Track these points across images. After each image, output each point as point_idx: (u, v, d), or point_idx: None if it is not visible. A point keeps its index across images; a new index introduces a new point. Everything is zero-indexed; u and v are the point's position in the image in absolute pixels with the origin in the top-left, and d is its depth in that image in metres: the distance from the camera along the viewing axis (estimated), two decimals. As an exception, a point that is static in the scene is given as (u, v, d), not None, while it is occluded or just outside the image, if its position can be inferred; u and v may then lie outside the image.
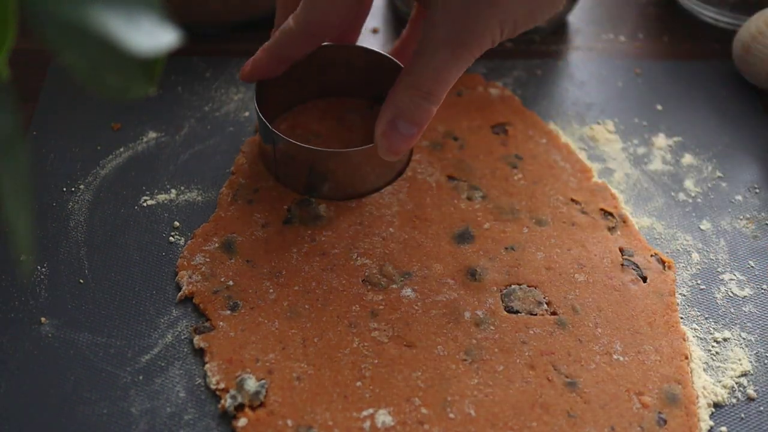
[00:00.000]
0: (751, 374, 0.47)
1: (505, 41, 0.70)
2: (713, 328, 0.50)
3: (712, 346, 0.49)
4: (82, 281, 0.51)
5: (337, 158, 0.53)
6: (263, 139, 0.56)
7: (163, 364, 0.47)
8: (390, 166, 0.56)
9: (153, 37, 0.25)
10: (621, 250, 0.53)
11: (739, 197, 0.57)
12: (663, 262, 0.52)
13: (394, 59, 0.57)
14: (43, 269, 0.51)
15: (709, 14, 0.73)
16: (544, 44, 0.71)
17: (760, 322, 0.50)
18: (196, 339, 0.48)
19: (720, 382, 0.47)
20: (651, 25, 0.73)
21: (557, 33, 0.72)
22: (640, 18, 0.74)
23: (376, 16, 0.73)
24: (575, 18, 0.74)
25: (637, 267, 0.52)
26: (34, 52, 0.63)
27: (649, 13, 0.75)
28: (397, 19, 0.73)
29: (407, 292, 0.50)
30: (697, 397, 0.46)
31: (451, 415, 0.44)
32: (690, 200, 0.57)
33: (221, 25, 0.69)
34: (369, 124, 0.58)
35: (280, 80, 0.56)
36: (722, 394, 0.46)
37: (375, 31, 0.71)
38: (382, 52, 0.58)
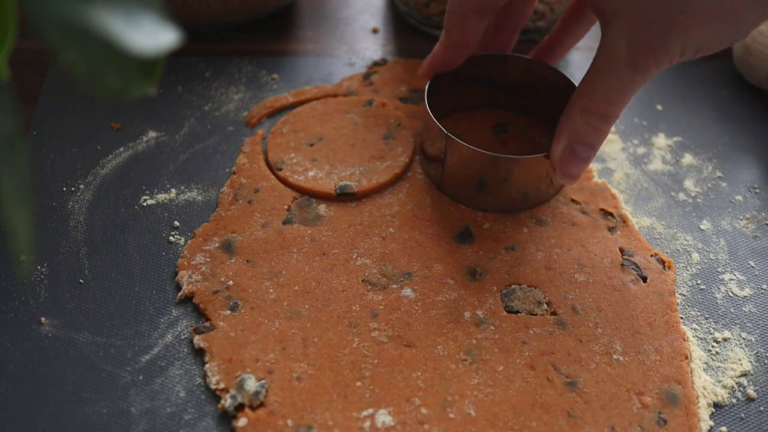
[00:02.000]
0: (751, 374, 0.47)
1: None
2: (713, 328, 0.50)
3: (712, 346, 0.49)
4: (82, 281, 0.51)
5: (517, 165, 0.52)
6: (429, 143, 0.55)
7: (163, 364, 0.47)
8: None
9: (153, 37, 0.25)
10: (621, 250, 0.53)
11: (739, 197, 0.57)
12: (663, 262, 0.52)
13: (562, 73, 0.57)
14: (43, 269, 0.51)
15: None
16: (544, 44, 0.70)
17: (760, 322, 0.50)
18: (196, 339, 0.48)
19: (720, 382, 0.47)
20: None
21: (557, 33, 0.72)
22: None
23: (376, 16, 0.73)
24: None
25: (637, 267, 0.52)
26: (34, 52, 0.63)
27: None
28: (397, 19, 0.73)
29: (407, 292, 0.50)
30: (697, 397, 0.46)
31: (451, 415, 0.44)
32: (690, 200, 0.57)
33: (221, 25, 0.69)
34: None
35: (444, 87, 0.57)
36: (722, 394, 0.46)
37: (375, 30, 0.71)
38: (547, 64, 0.58)
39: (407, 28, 0.72)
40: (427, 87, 0.55)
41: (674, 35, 0.43)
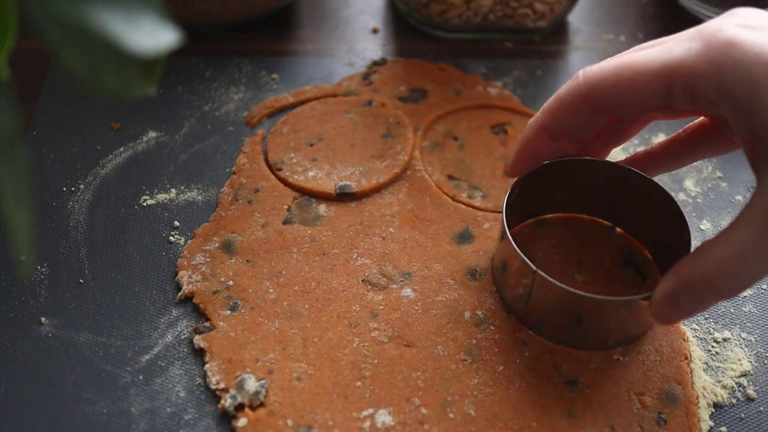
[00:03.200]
0: (751, 374, 0.47)
1: (505, 41, 0.70)
2: (713, 328, 0.49)
3: (712, 346, 0.49)
4: (82, 281, 0.51)
5: (609, 307, 0.45)
6: (511, 274, 0.48)
7: (163, 364, 0.47)
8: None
9: (153, 37, 0.25)
10: (621, 250, 0.52)
11: (739, 197, 0.57)
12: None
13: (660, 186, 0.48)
14: (43, 269, 0.51)
15: (709, 14, 0.72)
16: (545, 44, 0.70)
17: (760, 322, 0.50)
18: (196, 339, 0.48)
19: (720, 382, 0.47)
20: (651, 25, 0.73)
21: (557, 33, 0.72)
22: (640, 18, 0.74)
23: (376, 16, 0.73)
24: (575, 18, 0.74)
25: (637, 267, 0.51)
26: (34, 52, 0.63)
27: (649, 13, 0.75)
28: (397, 19, 0.73)
29: (407, 292, 0.50)
30: (697, 397, 0.46)
31: (451, 415, 0.44)
32: (690, 200, 0.57)
33: (221, 25, 0.69)
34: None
35: (526, 189, 0.50)
36: (722, 395, 0.46)
37: (375, 30, 0.71)
38: (640, 172, 0.49)
39: (407, 28, 0.72)
40: (506, 198, 0.48)
41: None
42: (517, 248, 0.45)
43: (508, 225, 0.46)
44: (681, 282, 0.40)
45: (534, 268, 0.44)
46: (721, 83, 0.37)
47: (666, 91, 0.40)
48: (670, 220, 0.47)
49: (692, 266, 0.40)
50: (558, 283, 0.43)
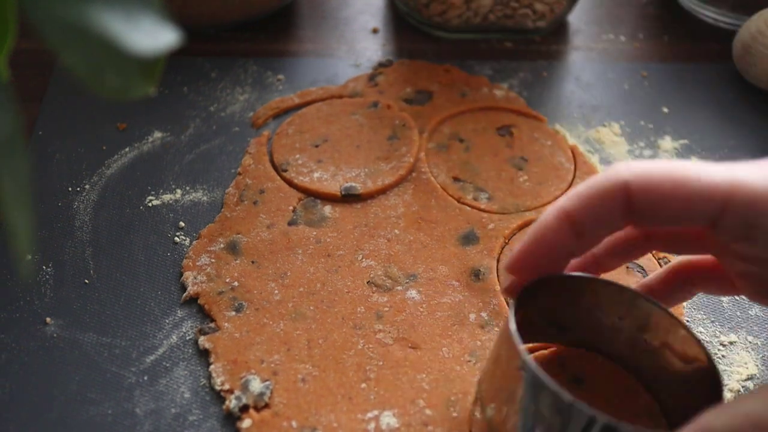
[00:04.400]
0: (758, 378, 0.47)
1: (505, 41, 0.70)
2: (719, 332, 0.49)
3: (718, 350, 0.48)
4: (87, 281, 0.51)
5: None
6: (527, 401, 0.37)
7: (167, 365, 0.47)
8: None
9: (153, 37, 0.25)
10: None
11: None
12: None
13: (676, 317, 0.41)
14: (49, 269, 0.51)
15: (709, 14, 0.72)
16: (545, 44, 0.70)
17: (767, 325, 0.50)
18: (201, 340, 0.47)
19: (726, 385, 0.47)
20: (651, 25, 0.73)
21: (557, 33, 0.72)
22: (640, 18, 0.74)
23: (376, 16, 0.73)
24: (575, 18, 0.74)
25: (643, 270, 0.51)
26: (35, 52, 0.63)
27: (649, 13, 0.75)
28: (397, 19, 0.73)
29: (412, 293, 0.50)
30: (703, 401, 0.45)
31: (455, 416, 0.44)
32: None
33: (221, 25, 0.69)
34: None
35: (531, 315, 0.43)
36: (728, 398, 0.46)
37: (375, 30, 0.71)
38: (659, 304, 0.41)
39: (407, 28, 0.72)
40: (514, 309, 0.38)
41: None
42: (537, 374, 0.36)
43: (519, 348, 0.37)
44: (706, 428, 0.34)
45: (572, 400, 0.35)
46: None
47: (718, 210, 0.35)
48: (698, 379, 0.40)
49: (723, 422, 0.34)
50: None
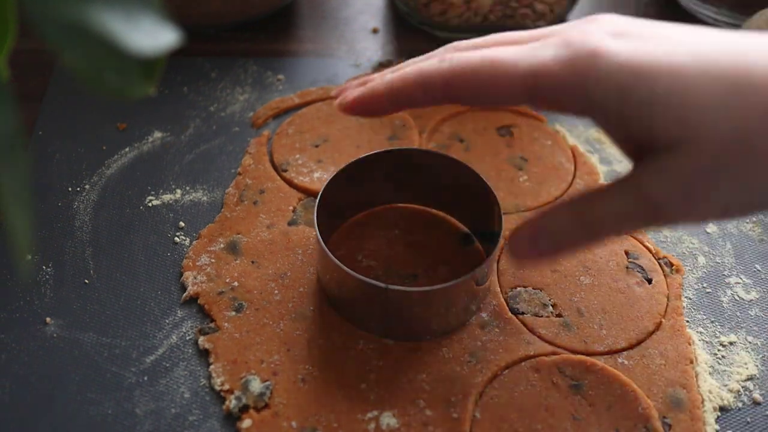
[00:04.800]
0: (757, 378, 0.47)
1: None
2: (719, 332, 0.49)
3: (718, 350, 0.48)
4: (87, 281, 0.51)
5: (415, 298, 0.46)
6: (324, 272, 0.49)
7: (167, 365, 0.47)
8: (470, 306, 0.49)
9: (152, 36, 0.25)
10: (626, 252, 0.52)
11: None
12: (671, 265, 0.52)
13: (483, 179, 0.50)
14: (48, 269, 0.51)
15: (709, 14, 0.72)
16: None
17: (767, 325, 0.50)
18: (201, 340, 0.47)
19: (726, 386, 0.47)
20: (653, 26, 0.73)
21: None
22: (640, 18, 0.74)
23: (376, 16, 0.73)
24: (575, 18, 0.73)
25: (643, 270, 0.51)
26: (35, 52, 0.63)
27: (649, 13, 0.75)
28: (397, 19, 0.73)
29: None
30: (703, 401, 0.45)
31: (455, 416, 0.44)
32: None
33: (221, 24, 0.69)
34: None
35: (344, 186, 0.50)
36: (728, 398, 0.46)
37: (375, 30, 0.71)
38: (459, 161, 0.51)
39: (407, 28, 0.72)
40: (316, 210, 0.48)
41: (726, 184, 0.36)
42: (323, 245, 0.46)
43: (321, 229, 0.47)
44: (547, 223, 0.40)
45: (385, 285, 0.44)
46: (590, 95, 0.37)
47: (527, 96, 0.39)
48: (481, 196, 0.50)
49: (561, 214, 0.40)
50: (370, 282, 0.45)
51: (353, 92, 0.44)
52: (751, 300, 0.51)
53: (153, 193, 0.56)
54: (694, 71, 0.36)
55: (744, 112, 0.35)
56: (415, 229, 0.54)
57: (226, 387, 0.45)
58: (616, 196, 0.38)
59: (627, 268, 0.51)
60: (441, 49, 0.43)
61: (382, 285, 0.44)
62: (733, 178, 0.36)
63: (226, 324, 0.48)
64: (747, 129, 0.35)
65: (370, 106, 0.43)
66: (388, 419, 0.44)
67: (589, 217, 0.38)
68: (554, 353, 0.47)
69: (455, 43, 0.43)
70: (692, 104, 0.36)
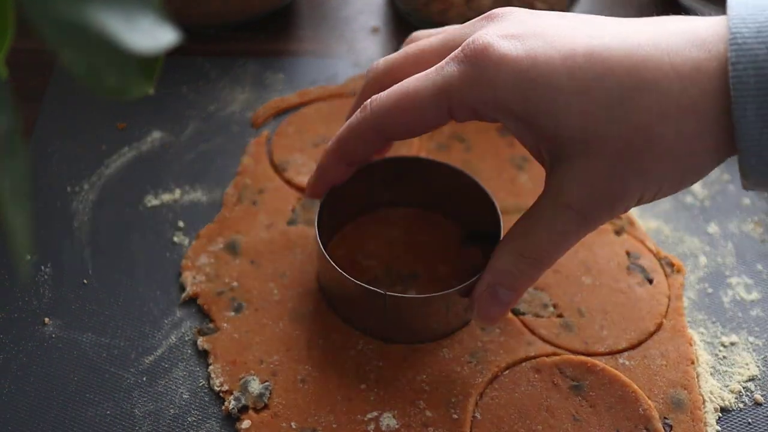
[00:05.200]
0: (759, 379, 0.47)
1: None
2: (720, 332, 0.49)
3: (719, 350, 0.48)
4: (85, 281, 0.51)
5: (417, 303, 0.46)
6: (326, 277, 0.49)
7: (166, 366, 0.47)
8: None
9: (151, 36, 0.25)
10: (627, 253, 0.52)
11: (747, 200, 0.57)
12: (672, 265, 0.52)
13: (477, 181, 0.50)
14: (47, 269, 0.51)
15: (710, 14, 0.72)
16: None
17: (768, 326, 0.50)
18: (200, 340, 0.47)
19: (727, 386, 0.46)
20: (657, 26, 0.73)
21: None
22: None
23: (376, 15, 0.73)
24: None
25: (644, 270, 0.51)
26: (35, 52, 0.63)
27: (649, 13, 0.74)
28: (397, 18, 0.73)
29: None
30: (704, 402, 0.45)
31: (455, 417, 0.44)
32: (697, 203, 0.57)
33: (221, 24, 0.69)
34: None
35: (344, 190, 0.50)
36: (729, 399, 0.46)
37: (375, 30, 0.71)
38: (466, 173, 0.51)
39: (407, 27, 0.72)
40: (317, 214, 0.48)
41: (635, 179, 0.39)
42: (322, 247, 0.47)
43: (321, 230, 0.48)
44: (497, 275, 0.43)
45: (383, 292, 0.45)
46: (497, 102, 0.39)
47: (447, 114, 0.41)
48: (480, 201, 0.50)
49: (504, 260, 0.42)
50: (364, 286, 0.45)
51: (309, 181, 0.49)
52: (753, 300, 0.51)
53: (152, 192, 0.56)
54: (591, 73, 0.38)
55: (641, 107, 0.37)
56: (415, 229, 0.53)
57: (225, 388, 0.45)
58: (545, 214, 0.41)
59: (628, 268, 0.51)
60: (362, 83, 0.48)
61: (381, 291, 0.44)
62: (639, 172, 0.38)
63: (225, 324, 0.48)
64: (646, 124, 0.37)
65: (327, 180, 0.48)
66: (388, 420, 0.44)
67: (530, 250, 0.41)
68: (555, 354, 0.47)
69: (370, 67, 0.48)
70: (592, 107, 0.38)
